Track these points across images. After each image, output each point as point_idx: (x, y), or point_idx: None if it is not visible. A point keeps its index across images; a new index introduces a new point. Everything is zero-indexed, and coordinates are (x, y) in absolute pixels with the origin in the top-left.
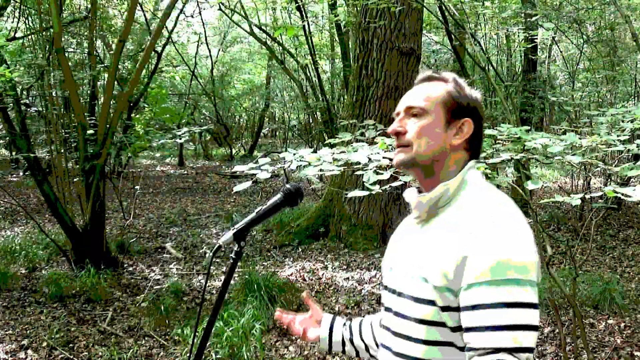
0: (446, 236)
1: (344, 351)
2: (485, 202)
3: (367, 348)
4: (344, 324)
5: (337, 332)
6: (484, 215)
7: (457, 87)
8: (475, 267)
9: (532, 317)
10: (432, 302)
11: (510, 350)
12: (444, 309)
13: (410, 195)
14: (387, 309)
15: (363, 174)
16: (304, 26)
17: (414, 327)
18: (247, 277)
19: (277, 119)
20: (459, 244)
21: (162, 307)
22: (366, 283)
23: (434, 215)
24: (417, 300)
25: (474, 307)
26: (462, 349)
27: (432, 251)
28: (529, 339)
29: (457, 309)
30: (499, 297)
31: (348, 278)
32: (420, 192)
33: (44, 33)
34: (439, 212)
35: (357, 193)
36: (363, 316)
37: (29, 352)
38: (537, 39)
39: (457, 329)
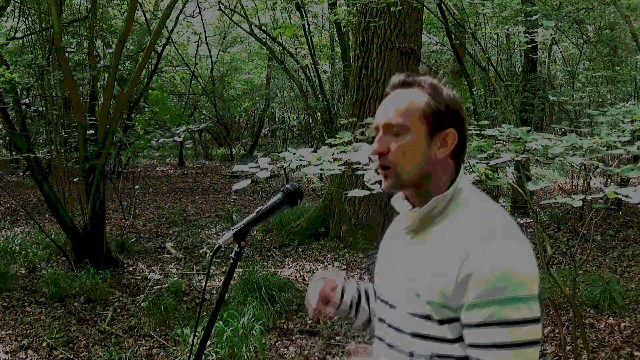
0: (443, 252)
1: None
2: (482, 216)
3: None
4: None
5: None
6: (482, 231)
7: (436, 93)
8: (477, 287)
9: (535, 332)
10: (427, 317)
11: None
12: (442, 322)
13: (398, 204)
14: (381, 320)
15: (363, 174)
16: (303, 26)
17: (409, 341)
18: (247, 277)
19: (277, 119)
20: (458, 261)
21: (162, 307)
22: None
23: (427, 227)
24: (413, 315)
25: (478, 325)
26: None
27: (427, 266)
28: (532, 354)
29: (456, 320)
30: (503, 315)
31: (348, 278)
32: (409, 201)
33: (44, 33)
34: (432, 224)
35: (357, 193)
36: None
37: (29, 352)
38: (537, 39)
39: (457, 340)
